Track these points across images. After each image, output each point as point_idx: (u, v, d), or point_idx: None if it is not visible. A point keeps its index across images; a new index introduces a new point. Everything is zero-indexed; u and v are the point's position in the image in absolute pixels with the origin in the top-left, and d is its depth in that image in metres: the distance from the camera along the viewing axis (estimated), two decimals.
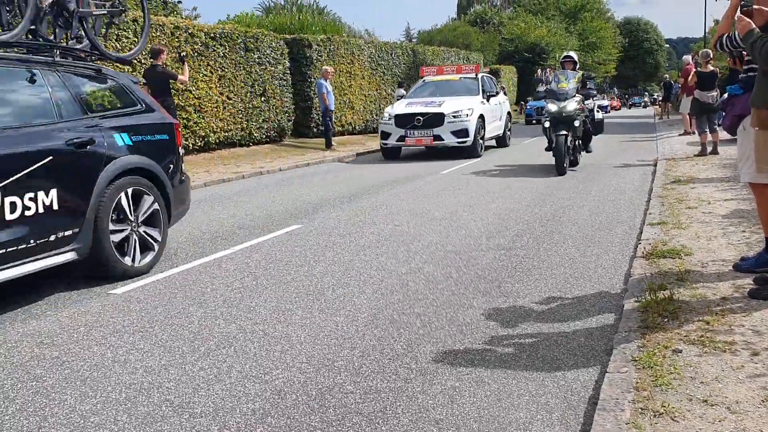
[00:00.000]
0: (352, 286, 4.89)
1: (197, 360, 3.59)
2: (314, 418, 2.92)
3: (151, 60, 11.25)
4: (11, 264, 4.45)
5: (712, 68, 12.60)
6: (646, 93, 76.97)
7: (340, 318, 4.19)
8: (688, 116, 17.25)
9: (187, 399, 3.13)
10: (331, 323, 4.10)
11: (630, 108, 63.07)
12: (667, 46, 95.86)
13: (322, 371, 3.39)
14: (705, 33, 40.09)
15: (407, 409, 2.96)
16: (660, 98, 36.65)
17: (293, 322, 4.13)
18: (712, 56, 12.83)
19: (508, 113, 17.70)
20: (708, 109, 12.39)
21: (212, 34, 15.10)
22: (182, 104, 13.84)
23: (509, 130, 17.90)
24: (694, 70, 14.60)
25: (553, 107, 10.95)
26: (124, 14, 6.47)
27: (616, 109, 53.64)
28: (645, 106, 64.62)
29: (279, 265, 5.59)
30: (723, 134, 12.19)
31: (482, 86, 16.00)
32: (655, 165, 11.43)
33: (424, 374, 3.33)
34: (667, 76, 36.68)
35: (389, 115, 14.97)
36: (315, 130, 19.23)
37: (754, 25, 3.92)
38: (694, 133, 17.02)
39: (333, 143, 17.19)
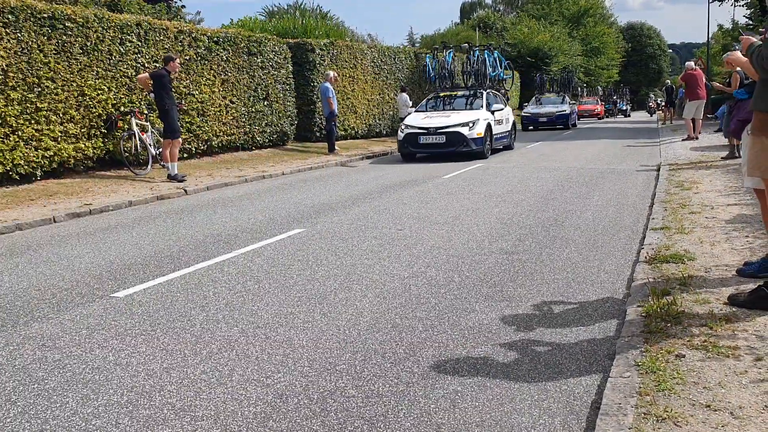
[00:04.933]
0: (354, 290, 4.89)
1: (199, 363, 3.59)
2: (316, 421, 2.91)
3: (163, 65, 11.58)
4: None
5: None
6: (651, 96, 63.77)
7: (342, 322, 4.19)
8: (691, 121, 17.26)
9: (188, 402, 3.13)
10: (333, 327, 4.10)
11: (616, 115, 49.61)
12: (670, 51, 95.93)
13: (324, 375, 3.39)
14: (708, 38, 40.09)
15: (409, 413, 2.96)
16: (662, 103, 36.58)
17: (295, 326, 4.13)
18: None
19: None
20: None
21: (215, 39, 15.13)
22: (185, 108, 13.89)
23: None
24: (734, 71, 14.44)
25: None
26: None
27: (598, 117, 43.25)
28: (627, 114, 51.98)
29: (281, 268, 5.59)
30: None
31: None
32: (658, 170, 11.42)
33: (426, 378, 3.32)
34: (669, 81, 36.65)
35: None
36: (318, 134, 19.25)
37: (754, 39, 4.13)
38: (697, 138, 17.04)
39: (336, 147, 17.20)
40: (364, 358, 3.60)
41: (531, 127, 28.56)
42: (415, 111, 17.29)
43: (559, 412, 2.93)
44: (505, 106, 18.02)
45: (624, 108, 54.10)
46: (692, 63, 18.49)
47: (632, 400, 2.82)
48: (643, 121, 39.09)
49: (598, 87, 56.09)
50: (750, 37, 4.15)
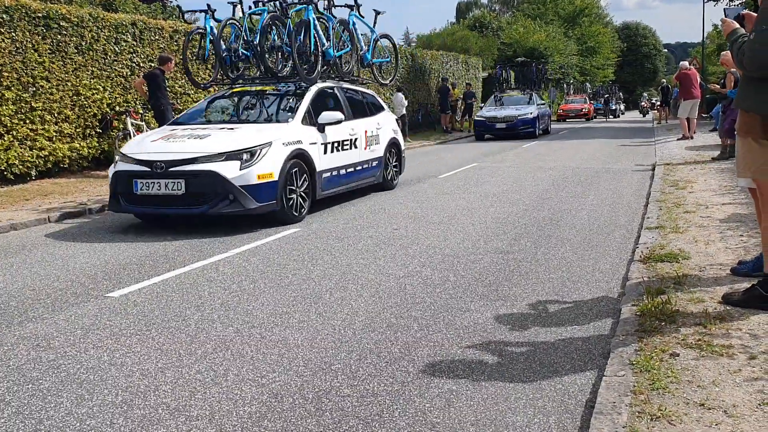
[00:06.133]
0: (349, 289, 4.89)
1: (194, 363, 3.58)
2: (311, 421, 2.91)
3: (158, 65, 11.57)
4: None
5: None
6: (645, 96, 58.50)
7: (337, 321, 4.18)
8: (686, 121, 17.30)
9: (183, 402, 3.12)
10: (328, 326, 4.09)
11: (607, 116, 43.69)
12: (666, 51, 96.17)
13: (319, 374, 3.39)
14: (703, 38, 40.21)
15: (404, 413, 2.96)
16: (657, 102, 36.63)
17: (290, 326, 4.13)
18: None
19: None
20: None
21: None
22: (181, 108, 13.86)
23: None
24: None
25: None
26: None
27: (587, 118, 38.88)
28: (617, 115, 46.98)
29: (277, 268, 5.58)
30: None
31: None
32: (653, 169, 11.44)
33: (421, 378, 3.32)
34: (664, 81, 36.70)
35: None
36: None
37: (737, 25, 3.91)
38: (692, 137, 17.07)
39: None
40: (359, 357, 3.60)
41: (487, 136, 22.42)
42: (169, 123, 9.26)
43: (554, 410, 2.94)
44: (373, 113, 10.20)
45: (614, 108, 47.58)
46: (687, 62, 18.53)
47: (627, 398, 2.82)
48: (637, 120, 39.12)
49: (586, 84, 51.59)
50: (732, 22, 3.91)
